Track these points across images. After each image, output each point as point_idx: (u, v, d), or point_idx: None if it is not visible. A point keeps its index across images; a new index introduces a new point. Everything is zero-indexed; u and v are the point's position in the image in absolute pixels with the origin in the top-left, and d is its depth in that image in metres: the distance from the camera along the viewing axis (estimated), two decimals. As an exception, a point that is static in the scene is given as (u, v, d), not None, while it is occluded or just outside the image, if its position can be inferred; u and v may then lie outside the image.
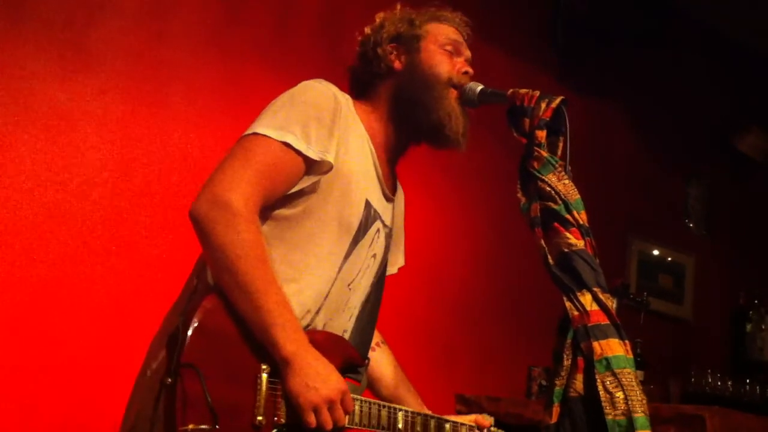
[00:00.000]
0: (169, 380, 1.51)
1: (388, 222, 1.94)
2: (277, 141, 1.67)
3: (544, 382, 3.39)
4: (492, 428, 2.15)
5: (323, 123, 1.73)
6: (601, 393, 1.60)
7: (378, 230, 1.89)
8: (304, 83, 1.81)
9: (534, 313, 3.98)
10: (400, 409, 1.87)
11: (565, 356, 1.69)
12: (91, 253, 2.82)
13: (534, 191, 1.73)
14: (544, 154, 1.71)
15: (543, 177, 1.71)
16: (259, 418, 1.58)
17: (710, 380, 4.10)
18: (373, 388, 2.07)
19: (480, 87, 1.89)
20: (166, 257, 2.94)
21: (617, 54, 4.59)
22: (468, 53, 1.99)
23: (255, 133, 1.69)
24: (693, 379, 4.13)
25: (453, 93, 1.90)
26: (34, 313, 2.69)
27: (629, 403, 1.59)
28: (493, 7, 4.23)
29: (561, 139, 1.75)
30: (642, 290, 4.21)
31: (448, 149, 1.92)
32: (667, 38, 4.65)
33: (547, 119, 1.73)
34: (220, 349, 1.59)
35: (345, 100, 1.85)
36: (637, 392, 1.62)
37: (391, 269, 2.15)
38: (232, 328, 1.61)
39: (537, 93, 1.76)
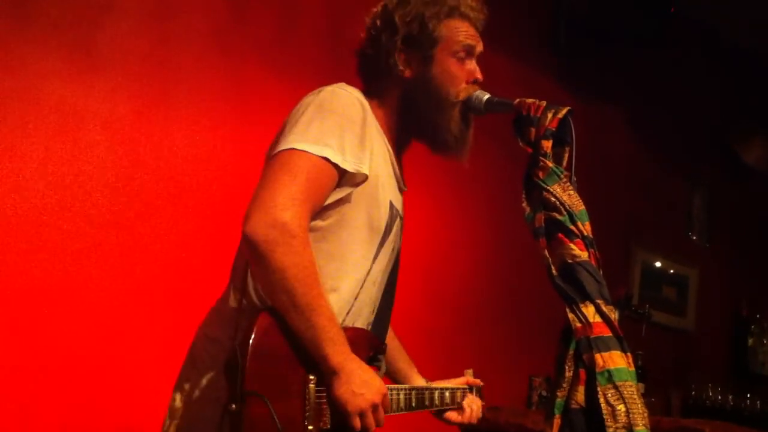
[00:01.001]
0: (233, 407, 1.55)
1: (402, 212, 1.98)
2: (317, 156, 1.68)
3: (544, 393, 3.38)
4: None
5: (355, 134, 1.74)
6: (602, 405, 1.60)
7: (397, 224, 1.93)
8: (330, 90, 1.80)
9: (535, 323, 3.97)
10: (412, 389, 2.00)
11: (567, 367, 1.68)
12: (96, 253, 2.82)
13: (539, 201, 1.72)
14: (550, 164, 1.71)
15: (548, 187, 1.70)
16: (310, 427, 1.64)
17: (711, 394, 4.10)
18: (390, 369, 2.18)
19: (486, 96, 1.89)
20: (171, 258, 2.94)
21: (618, 58, 4.58)
22: (480, 47, 1.98)
23: (293, 149, 1.68)
24: (694, 392, 4.14)
25: (457, 113, 1.90)
26: (38, 311, 2.68)
27: (630, 416, 1.59)
28: (494, 8, 4.22)
29: (566, 149, 1.74)
30: (645, 301, 4.21)
31: (446, 156, 1.96)
32: (668, 40, 4.63)
33: (553, 129, 1.72)
34: (275, 367, 1.64)
35: (366, 104, 1.84)
36: (639, 405, 1.61)
37: None
38: (284, 346, 1.66)
39: (543, 103, 1.76)
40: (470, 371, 2.35)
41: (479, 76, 1.94)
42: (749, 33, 5.24)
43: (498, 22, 4.20)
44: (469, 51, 1.94)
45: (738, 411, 4.10)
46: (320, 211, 1.74)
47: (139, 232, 2.91)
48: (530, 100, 1.77)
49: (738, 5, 4.91)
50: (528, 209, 1.75)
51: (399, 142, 1.96)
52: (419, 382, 2.24)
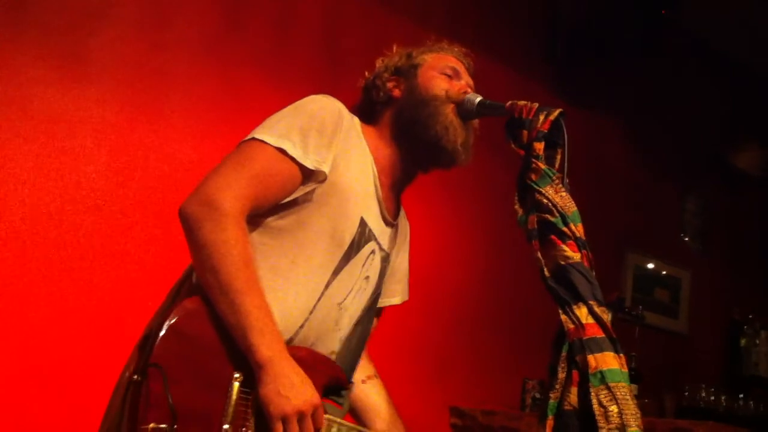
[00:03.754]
0: (136, 377, 1.52)
1: (385, 246, 1.94)
2: (273, 147, 1.69)
3: (538, 395, 3.39)
4: None
5: (323, 134, 1.74)
6: (595, 407, 1.59)
7: (373, 251, 1.88)
8: (312, 96, 1.83)
9: (529, 326, 3.97)
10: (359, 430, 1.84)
11: (560, 369, 1.68)
12: (88, 261, 2.82)
13: (531, 203, 1.72)
14: (542, 166, 1.71)
15: (540, 189, 1.71)
16: (226, 426, 1.56)
17: (704, 395, 4.10)
18: (366, 417, 2.04)
19: (479, 98, 1.90)
20: (162, 265, 2.94)
21: (614, 68, 4.61)
22: (469, 80, 2.00)
23: (253, 138, 1.71)
24: (687, 394, 4.14)
25: (450, 107, 1.90)
26: (30, 319, 2.68)
27: (623, 417, 1.59)
28: (491, 18, 4.25)
29: (559, 151, 1.74)
30: (637, 304, 4.22)
31: (450, 163, 1.92)
32: (664, 52, 4.67)
33: (545, 131, 1.73)
34: (194, 352, 1.58)
35: (350, 117, 1.86)
36: (631, 406, 1.61)
37: (390, 299, 2.15)
38: (210, 333, 1.60)
39: (536, 105, 1.76)
40: None
41: (469, 91, 1.96)
42: (745, 48, 5.29)
43: (495, 31, 4.27)
44: (455, 72, 1.98)
45: (731, 412, 4.10)
46: (279, 208, 1.73)
47: (132, 240, 2.91)
48: (522, 102, 1.77)
49: (734, 20, 4.96)
50: (521, 212, 1.75)
51: (396, 176, 1.95)
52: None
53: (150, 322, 1.75)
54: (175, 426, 1.50)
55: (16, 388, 2.62)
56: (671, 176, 5.18)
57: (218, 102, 3.19)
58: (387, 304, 2.12)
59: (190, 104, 3.12)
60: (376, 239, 1.88)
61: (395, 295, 2.17)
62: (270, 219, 1.74)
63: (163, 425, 1.49)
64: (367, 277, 1.89)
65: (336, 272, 1.79)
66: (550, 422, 1.66)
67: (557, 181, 1.71)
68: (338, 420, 1.73)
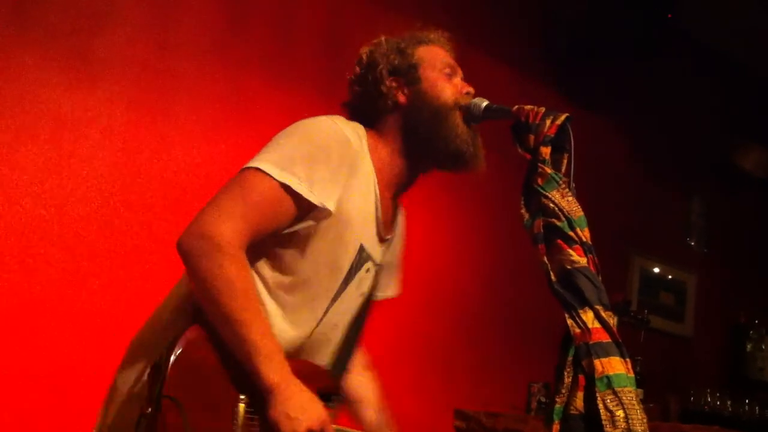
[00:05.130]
0: (150, 410, 1.53)
1: (379, 260, 1.92)
2: (277, 181, 1.65)
3: (543, 399, 3.38)
4: None
5: (328, 167, 1.70)
6: (601, 411, 1.59)
7: (368, 270, 1.88)
8: (318, 121, 1.77)
9: (534, 329, 3.97)
10: None
11: (566, 373, 1.68)
12: (94, 261, 2.82)
13: (537, 208, 1.72)
14: (548, 170, 1.71)
15: (547, 193, 1.70)
16: None
17: (709, 399, 4.10)
18: (357, 407, 2.07)
19: (485, 103, 1.90)
20: (169, 265, 2.93)
21: (616, 69, 4.61)
22: (461, 71, 1.99)
23: (257, 168, 1.66)
24: (692, 398, 4.13)
25: (459, 115, 1.88)
26: (36, 319, 2.69)
27: (630, 421, 1.58)
28: (492, 19, 4.25)
29: (565, 155, 1.74)
30: (643, 307, 4.21)
31: (468, 172, 1.92)
32: (665, 53, 4.67)
33: (552, 136, 1.72)
34: (200, 380, 1.60)
35: (357, 137, 1.81)
36: (638, 411, 1.61)
37: (382, 293, 2.12)
38: (214, 359, 1.62)
39: (542, 109, 1.76)
40: None
41: (470, 89, 1.94)
42: (743, 44, 5.28)
43: (497, 32, 4.26)
44: (452, 69, 1.96)
45: (736, 417, 4.10)
46: (280, 238, 1.71)
47: (138, 241, 2.92)
48: (529, 107, 1.77)
49: (735, 23, 4.96)
50: (527, 216, 1.75)
51: (398, 184, 1.92)
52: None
53: (151, 323, 1.79)
54: None
55: (19, 389, 2.63)
56: (675, 179, 5.18)
57: (223, 102, 3.20)
58: (381, 297, 2.11)
59: (195, 105, 3.13)
60: (371, 259, 1.87)
61: (386, 290, 2.15)
62: (271, 248, 1.73)
63: None
64: (362, 294, 1.90)
65: (334, 299, 1.81)
66: (556, 427, 1.66)
67: (564, 186, 1.71)
68: (338, 427, 1.73)
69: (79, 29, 2.87)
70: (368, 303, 1.98)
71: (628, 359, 1.66)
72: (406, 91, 1.90)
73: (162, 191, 2.99)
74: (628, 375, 1.63)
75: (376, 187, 1.85)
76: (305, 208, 1.69)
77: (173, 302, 1.80)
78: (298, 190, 1.65)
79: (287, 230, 1.71)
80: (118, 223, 2.88)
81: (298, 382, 1.61)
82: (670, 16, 4.32)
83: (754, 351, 5.16)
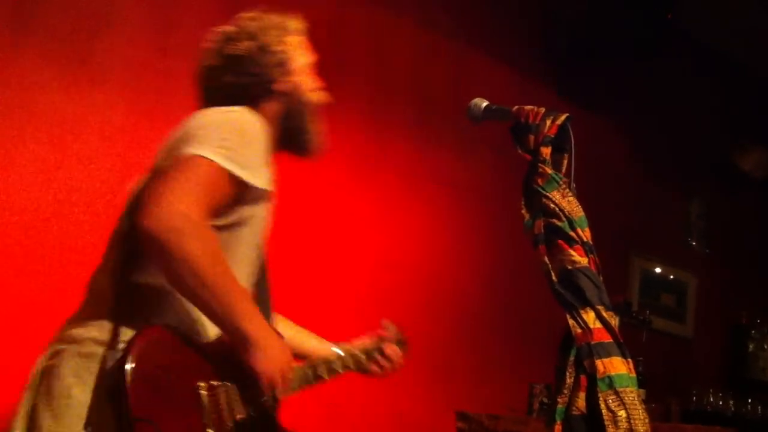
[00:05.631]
0: None
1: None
2: (222, 166, 1.74)
3: (545, 400, 3.38)
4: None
5: (260, 152, 1.85)
6: (603, 412, 1.59)
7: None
8: (240, 111, 1.89)
9: (535, 330, 3.97)
10: (321, 363, 2.18)
11: (567, 374, 1.68)
12: (94, 264, 2.81)
13: (538, 208, 1.72)
14: (549, 170, 1.71)
15: (547, 194, 1.71)
16: (209, 431, 1.68)
17: (711, 399, 4.10)
18: (296, 347, 2.22)
19: (485, 103, 1.90)
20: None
21: (616, 70, 4.61)
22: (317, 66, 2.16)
23: (201, 156, 1.74)
24: (694, 398, 4.13)
25: (319, 114, 2.09)
26: (36, 322, 2.68)
27: (632, 422, 1.59)
28: (492, 19, 4.25)
29: (565, 156, 1.74)
30: (644, 308, 4.21)
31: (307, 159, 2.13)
32: (667, 54, 4.68)
33: (552, 136, 1.73)
34: (160, 388, 1.65)
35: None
36: (640, 411, 1.61)
37: None
38: (167, 362, 1.69)
39: (542, 110, 1.76)
40: (388, 323, 2.44)
41: (323, 84, 2.13)
42: (743, 45, 5.29)
43: (497, 33, 4.26)
44: (313, 64, 2.13)
45: (739, 417, 4.10)
46: (226, 225, 1.82)
47: (138, 243, 2.91)
48: (528, 107, 1.77)
49: (732, 18, 4.96)
50: (527, 216, 1.75)
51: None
52: (327, 350, 2.30)
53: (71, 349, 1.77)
54: None
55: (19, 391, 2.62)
56: (675, 179, 5.18)
57: (222, 106, 3.19)
58: None
59: (195, 107, 3.11)
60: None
61: None
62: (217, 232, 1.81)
63: None
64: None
65: (254, 265, 1.98)
66: (558, 427, 1.66)
67: (564, 186, 1.71)
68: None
69: (78, 31, 2.87)
70: (263, 258, 2.13)
71: (629, 359, 1.66)
72: (281, 81, 2.03)
73: (162, 193, 2.98)
74: (630, 375, 1.64)
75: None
76: (248, 193, 1.81)
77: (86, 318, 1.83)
78: (241, 175, 1.77)
79: (232, 216, 1.82)
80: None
81: (273, 331, 1.82)
82: (669, 16, 4.32)
83: (756, 351, 5.16)
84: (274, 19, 2.11)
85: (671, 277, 5.03)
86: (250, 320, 1.73)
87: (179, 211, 1.64)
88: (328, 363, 2.23)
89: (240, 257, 1.89)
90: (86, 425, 1.67)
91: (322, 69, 3.51)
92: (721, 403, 4.10)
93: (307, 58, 2.13)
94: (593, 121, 4.59)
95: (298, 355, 2.18)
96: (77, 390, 1.69)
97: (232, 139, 1.80)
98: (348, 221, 3.57)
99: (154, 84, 3.02)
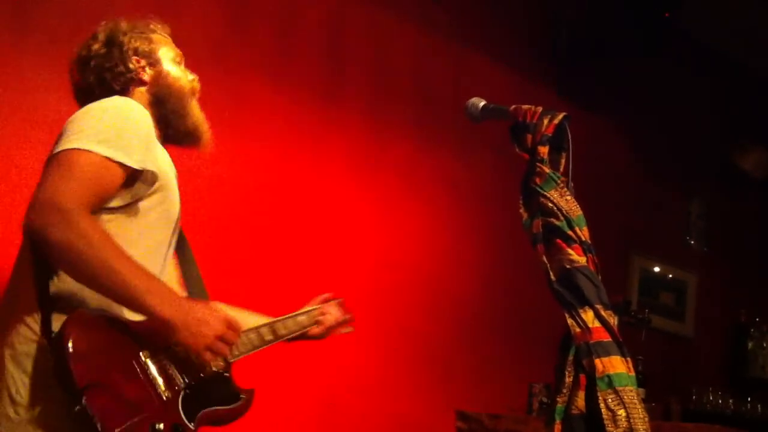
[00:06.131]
0: (77, 408, 1.59)
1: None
2: (98, 154, 1.76)
3: (544, 399, 3.38)
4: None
5: (140, 136, 1.87)
6: (603, 411, 1.60)
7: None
8: (114, 99, 1.94)
9: (535, 329, 3.97)
10: (258, 327, 2.18)
11: (566, 373, 1.68)
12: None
13: (536, 207, 1.72)
14: (547, 170, 1.71)
15: (545, 193, 1.71)
16: (167, 393, 1.74)
17: (711, 398, 4.10)
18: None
19: (482, 103, 1.90)
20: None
21: (616, 70, 4.62)
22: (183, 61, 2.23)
23: (74, 149, 1.77)
24: (694, 397, 4.14)
25: (195, 102, 2.17)
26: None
27: (631, 421, 1.59)
28: (492, 19, 4.25)
29: (563, 155, 1.75)
30: (643, 307, 4.21)
31: (196, 149, 2.18)
32: (667, 54, 4.68)
33: (550, 135, 1.73)
34: (101, 360, 1.69)
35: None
36: (639, 410, 1.61)
37: None
38: (104, 337, 1.72)
39: (539, 109, 1.76)
40: (325, 296, 2.52)
41: (195, 76, 2.23)
42: (748, 52, 5.30)
43: (497, 33, 4.26)
44: (180, 57, 2.22)
45: (738, 415, 4.10)
46: (112, 207, 1.83)
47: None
48: (526, 107, 1.77)
49: (732, 18, 4.97)
50: (526, 215, 1.75)
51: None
52: (258, 319, 2.30)
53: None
54: (136, 419, 1.63)
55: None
56: (675, 179, 5.18)
57: (222, 106, 3.19)
58: None
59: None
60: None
61: None
62: (114, 217, 1.85)
63: (130, 422, 1.62)
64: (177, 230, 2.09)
65: (170, 245, 2.03)
66: (557, 426, 1.66)
67: (562, 185, 1.71)
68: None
69: (78, 32, 2.85)
70: (182, 237, 2.17)
71: (629, 358, 1.66)
72: (148, 70, 2.10)
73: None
74: (629, 374, 1.64)
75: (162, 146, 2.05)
76: (130, 177, 1.83)
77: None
78: (120, 159, 1.78)
79: (122, 201, 1.84)
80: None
81: (186, 301, 1.82)
82: (667, 15, 4.32)
83: (756, 349, 5.16)
84: (127, 22, 2.20)
85: (670, 276, 5.03)
86: (156, 297, 1.71)
87: (53, 204, 1.68)
88: (271, 325, 2.24)
89: (144, 237, 1.90)
90: (32, 405, 1.72)
91: (322, 69, 3.55)
92: (720, 401, 4.10)
93: (171, 51, 2.19)
94: (593, 121, 4.59)
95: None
96: (18, 377, 1.73)
97: (104, 124, 1.83)
98: (348, 221, 3.57)
99: (154, 85, 3.02)
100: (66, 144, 1.79)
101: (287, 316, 2.34)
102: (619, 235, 4.65)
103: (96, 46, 2.12)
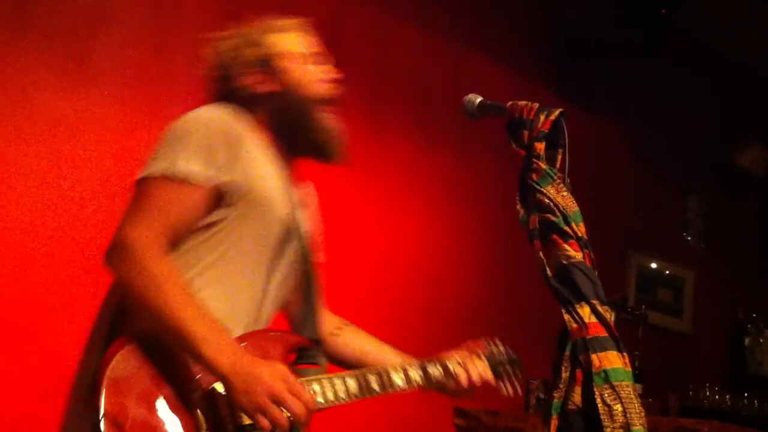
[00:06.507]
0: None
1: (304, 223, 1.94)
2: (168, 179, 1.68)
3: (542, 395, 3.39)
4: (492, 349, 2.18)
5: (221, 148, 1.73)
6: (599, 406, 1.60)
7: (300, 236, 1.89)
8: (195, 112, 1.83)
9: (532, 326, 3.97)
10: (371, 372, 1.86)
11: (563, 369, 1.68)
12: (90, 266, 2.82)
13: (533, 203, 1.73)
14: (543, 166, 1.72)
15: (542, 189, 1.71)
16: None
17: (709, 394, 4.11)
18: (353, 364, 2.05)
19: (479, 99, 1.91)
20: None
21: (615, 69, 4.63)
22: (324, 55, 2.01)
23: (145, 178, 1.71)
24: (691, 393, 4.14)
25: (328, 111, 1.93)
26: (34, 325, 2.69)
27: (628, 415, 1.59)
28: (492, 19, 4.26)
29: (560, 151, 1.75)
30: (641, 304, 4.22)
31: (330, 163, 1.95)
32: (666, 53, 4.69)
33: (546, 131, 1.73)
34: (141, 389, 1.58)
35: (235, 116, 1.83)
36: (636, 405, 1.61)
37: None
38: (150, 366, 1.60)
39: (536, 105, 1.77)
40: (494, 340, 2.21)
41: (334, 74, 1.98)
42: (746, 50, 5.31)
43: (496, 33, 4.27)
44: (315, 55, 1.98)
45: (736, 411, 4.11)
46: (208, 228, 1.73)
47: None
48: (522, 103, 1.78)
49: (731, 17, 4.97)
50: (522, 212, 1.76)
51: (286, 160, 1.92)
52: (394, 360, 2.04)
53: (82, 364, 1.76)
54: None
55: (18, 394, 2.63)
56: (673, 176, 5.19)
57: (221, 105, 3.20)
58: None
59: (192, 106, 3.10)
60: (298, 222, 1.89)
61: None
62: (201, 238, 1.74)
63: None
64: (293, 263, 1.89)
65: (272, 271, 1.81)
66: (554, 422, 1.67)
67: (558, 181, 1.72)
68: (316, 377, 1.75)
69: (76, 32, 2.88)
70: (312, 268, 1.96)
71: (625, 353, 1.67)
72: (267, 82, 1.91)
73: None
74: (626, 369, 1.64)
75: (272, 158, 1.87)
76: (215, 194, 1.71)
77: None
78: (197, 181, 1.68)
79: (208, 220, 1.73)
80: (115, 224, 2.88)
81: (242, 355, 1.60)
82: (664, 11, 4.33)
83: (753, 345, 5.16)
84: (265, 21, 2.01)
85: (668, 272, 5.04)
86: (212, 347, 1.56)
87: (119, 241, 1.63)
88: (385, 373, 1.92)
89: (227, 261, 1.75)
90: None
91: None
92: (717, 398, 4.11)
93: (304, 50, 1.97)
94: (593, 121, 4.60)
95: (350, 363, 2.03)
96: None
97: (181, 144, 1.73)
98: (348, 221, 3.58)
99: (151, 84, 3.03)
100: (140, 172, 1.73)
101: (419, 361, 2.06)
102: (618, 232, 4.66)
103: (212, 66, 2.00)
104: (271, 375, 1.59)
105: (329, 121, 1.93)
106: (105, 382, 1.54)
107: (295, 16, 2.06)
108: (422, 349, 3.69)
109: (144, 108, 3.00)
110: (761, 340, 5.17)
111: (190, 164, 1.69)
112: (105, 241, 2.81)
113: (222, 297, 1.72)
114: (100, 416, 1.51)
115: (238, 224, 1.75)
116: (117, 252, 1.63)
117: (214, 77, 1.98)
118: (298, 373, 1.70)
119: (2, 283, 2.65)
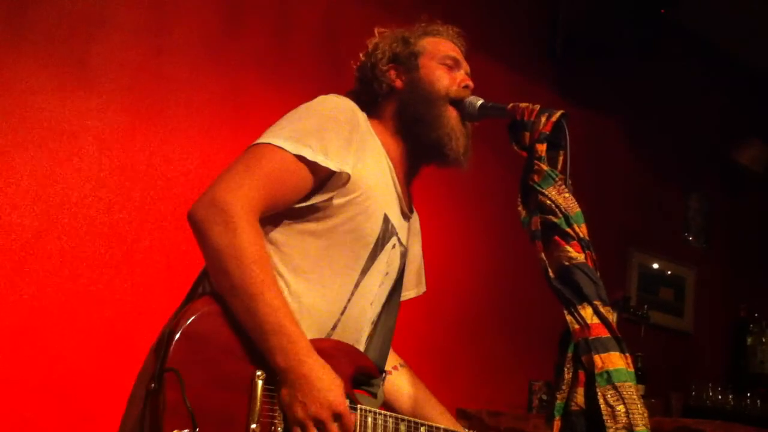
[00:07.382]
0: (153, 386, 1.48)
1: (404, 240, 1.92)
2: (291, 153, 1.64)
3: (544, 396, 3.39)
4: None
5: (341, 135, 1.71)
6: (602, 406, 1.60)
7: (394, 246, 1.87)
8: (323, 96, 1.80)
9: (534, 327, 3.97)
10: (423, 425, 1.81)
11: (566, 370, 1.68)
12: (91, 269, 2.82)
13: (534, 205, 1.73)
14: (545, 167, 1.72)
15: (543, 190, 1.71)
16: (253, 426, 1.53)
17: (711, 394, 4.10)
18: (397, 405, 2.04)
19: (480, 101, 1.91)
20: (166, 272, 2.94)
21: (615, 68, 4.62)
22: (466, 66, 2.00)
23: (267, 143, 1.66)
24: (694, 393, 4.14)
25: (453, 112, 1.90)
26: (34, 327, 2.68)
27: (630, 416, 1.59)
28: (491, 18, 4.26)
29: (561, 152, 1.75)
30: (642, 303, 4.21)
31: (451, 167, 1.93)
32: (666, 52, 4.69)
33: (547, 133, 1.73)
34: (209, 353, 1.54)
35: (362, 114, 1.84)
36: (638, 405, 1.61)
37: (407, 293, 2.13)
38: (226, 333, 1.56)
39: (537, 107, 1.77)
40: None
41: (470, 83, 1.96)
42: (747, 48, 5.31)
43: (495, 31, 4.27)
44: (455, 61, 1.97)
45: (738, 410, 4.11)
46: (303, 211, 1.71)
47: (135, 246, 2.91)
48: (524, 104, 1.78)
49: (731, 15, 4.97)
50: (524, 213, 1.76)
51: (405, 167, 1.93)
52: (440, 420, 2.00)
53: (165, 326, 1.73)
54: (197, 430, 1.46)
55: (18, 395, 2.63)
56: (674, 175, 5.18)
57: (220, 106, 3.20)
58: (404, 298, 2.10)
59: (192, 109, 3.13)
60: (396, 234, 1.87)
61: (410, 288, 2.16)
62: (294, 222, 1.71)
63: (185, 431, 1.47)
64: (386, 273, 1.87)
65: (364, 272, 1.78)
66: (557, 423, 1.67)
67: (560, 182, 1.72)
68: (374, 410, 1.71)
69: (74, 35, 2.88)
70: (397, 292, 1.96)
71: (627, 354, 1.67)
72: (403, 77, 1.94)
73: (159, 196, 2.99)
74: (628, 370, 1.64)
75: (389, 160, 1.87)
76: (322, 178, 1.69)
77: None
78: (314, 159, 1.65)
79: (306, 203, 1.70)
80: (115, 227, 2.88)
81: (314, 362, 1.56)
82: (663, 11, 4.32)
83: (755, 344, 5.15)
84: (421, 24, 2.05)
85: (669, 272, 5.03)
86: (281, 341, 1.53)
87: (219, 201, 1.57)
88: (436, 430, 1.87)
89: (320, 254, 1.72)
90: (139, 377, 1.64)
91: (320, 68, 3.55)
92: (720, 397, 4.11)
93: (446, 54, 1.97)
94: (592, 119, 4.60)
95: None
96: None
97: (304, 123, 1.70)
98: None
99: (150, 86, 3.03)
100: (260, 138, 1.67)
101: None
102: (619, 232, 4.66)
103: (362, 58, 2.02)
104: (330, 402, 1.55)
105: (453, 120, 1.90)
106: (179, 335, 1.51)
107: (450, 24, 2.12)
108: (422, 349, 3.70)
109: (143, 110, 3.00)
110: (763, 339, 5.16)
111: (312, 142, 1.66)
112: (104, 244, 2.83)
113: (301, 297, 1.69)
114: (164, 366, 1.48)
115: (337, 224, 1.73)
116: (215, 211, 1.57)
117: (358, 70, 2.01)
118: (356, 398, 1.68)
119: (2, 287, 2.65)
